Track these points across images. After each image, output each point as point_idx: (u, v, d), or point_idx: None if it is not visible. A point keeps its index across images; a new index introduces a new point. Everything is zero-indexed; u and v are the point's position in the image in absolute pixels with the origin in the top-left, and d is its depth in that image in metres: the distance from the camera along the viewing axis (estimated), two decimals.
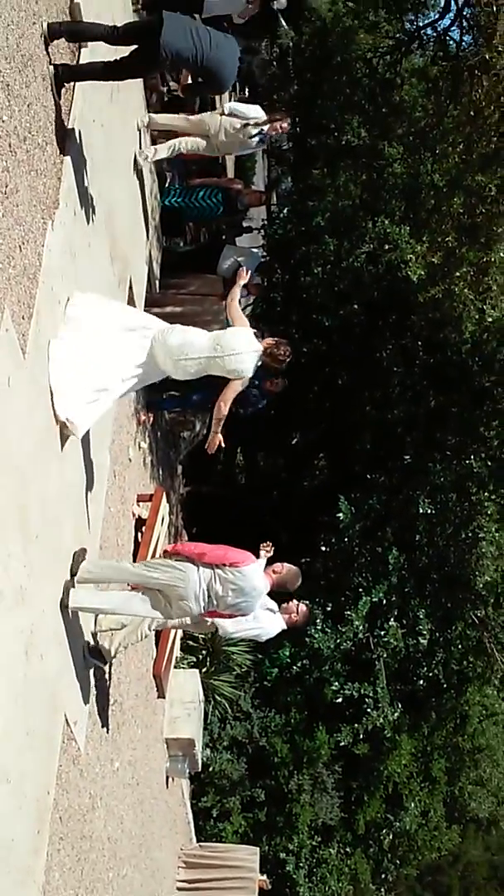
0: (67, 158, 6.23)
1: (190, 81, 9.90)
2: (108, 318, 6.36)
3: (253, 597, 6.35)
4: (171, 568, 6.26)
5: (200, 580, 6.21)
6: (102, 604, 6.37)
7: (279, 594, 6.75)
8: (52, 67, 5.89)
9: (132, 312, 6.94)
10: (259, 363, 6.87)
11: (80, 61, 6.64)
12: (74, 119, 6.44)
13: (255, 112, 9.75)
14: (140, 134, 9.45)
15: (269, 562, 6.55)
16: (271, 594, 6.63)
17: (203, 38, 6.50)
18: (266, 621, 6.91)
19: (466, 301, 12.39)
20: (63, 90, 6.19)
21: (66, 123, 6.28)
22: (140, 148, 9.42)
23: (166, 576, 6.23)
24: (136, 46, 6.54)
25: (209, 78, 6.85)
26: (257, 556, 6.45)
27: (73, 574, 6.20)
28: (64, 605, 6.05)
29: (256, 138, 9.75)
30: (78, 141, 6.56)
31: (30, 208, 5.36)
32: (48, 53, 5.85)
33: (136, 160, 9.27)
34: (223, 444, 7.31)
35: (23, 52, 5.25)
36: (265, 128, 9.69)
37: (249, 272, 8.06)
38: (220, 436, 7.18)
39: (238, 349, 6.63)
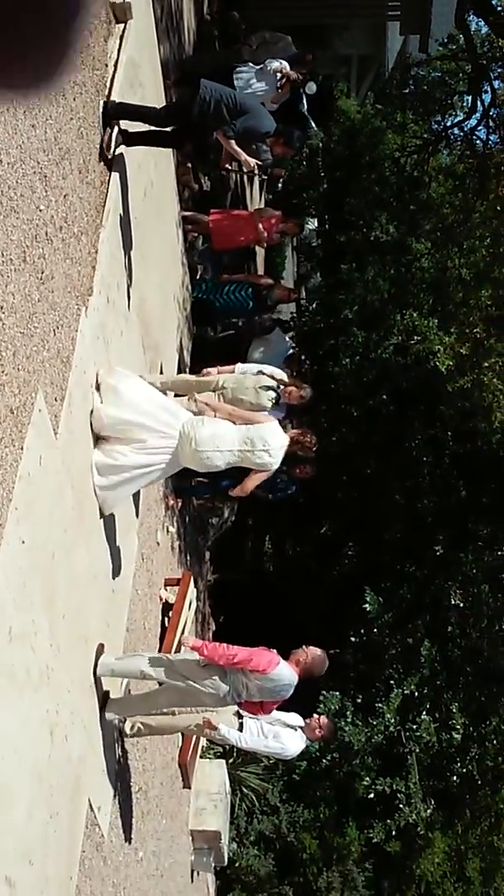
0: (102, 248, 6.44)
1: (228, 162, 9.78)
2: (148, 395, 6.46)
3: (285, 690, 6.34)
4: (198, 683, 6.25)
5: (228, 687, 6.22)
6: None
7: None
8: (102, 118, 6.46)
9: (164, 398, 6.97)
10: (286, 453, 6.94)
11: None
12: (109, 211, 6.68)
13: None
14: None
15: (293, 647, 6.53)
16: (299, 686, 6.57)
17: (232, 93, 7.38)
18: (287, 740, 6.87)
19: (495, 391, 12.49)
20: (100, 183, 6.45)
21: (101, 215, 6.52)
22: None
23: (193, 688, 6.28)
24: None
25: (247, 115, 7.35)
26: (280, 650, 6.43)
27: (95, 674, 6.25)
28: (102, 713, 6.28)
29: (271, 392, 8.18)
30: (112, 232, 6.78)
31: (64, 294, 5.53)
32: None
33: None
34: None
35: (60, 145, 5.49)
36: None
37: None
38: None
39: (269, 444, 6.69)
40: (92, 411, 6.09)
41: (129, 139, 6.96)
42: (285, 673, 6.24)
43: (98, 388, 6.15)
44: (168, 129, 7.31)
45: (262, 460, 6.69)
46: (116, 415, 6.14)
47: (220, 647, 6.20)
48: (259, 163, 8.73)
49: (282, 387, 8.12)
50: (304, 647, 6.47)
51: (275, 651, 6.30)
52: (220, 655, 6.15)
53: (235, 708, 6.77)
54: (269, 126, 7.64)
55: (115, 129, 6.62)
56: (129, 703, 6.60)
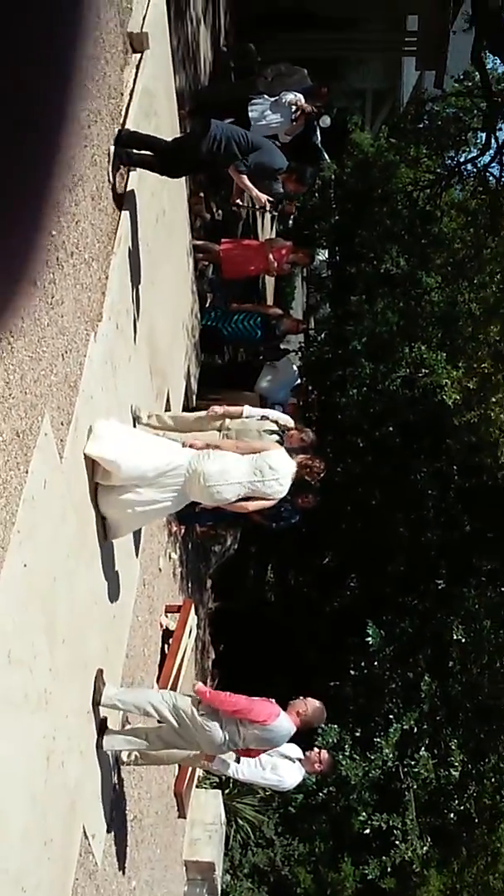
0: (112, 274, 6.47)
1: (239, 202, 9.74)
2: (150, 443, 6.45)
3: (281, 740, 6.34)
4: (197, 729, 6.21)
5: (225, 736, 6.18)
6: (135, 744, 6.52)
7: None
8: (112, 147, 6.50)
9: (162, 441, 6.82)
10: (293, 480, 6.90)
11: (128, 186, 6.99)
12: (120, 238, 6.71)
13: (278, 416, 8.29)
14: (133, 421, 7.48)
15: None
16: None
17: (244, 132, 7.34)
18: (284, 772, 6.84)
19: (502, 426, 12.52)
20: (112, 210, 6.49)
21: (112, 241, 6.55)
22: None
23: (192, 731, 6.26)
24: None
25: (259, 151, 7.33)
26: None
27: (94, 702, 6.22)
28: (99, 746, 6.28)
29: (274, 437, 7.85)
30: (123, 259, 6.82)
31: (74, 319, 5.56)
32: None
33: None
34: None
35: (74, 171, 5.53)
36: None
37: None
38: None
39: (278, 473, 6.62)
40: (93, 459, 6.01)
41: (130, 160, 6.94)
42: (284, 725, 6.22)
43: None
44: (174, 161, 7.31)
45: (273, 489, 6.62)
46: (136, 464, 6.11)
47: (222, 694, 6.24)
48: (270, 199, 8.74)
49: (285, 431, 8.08)
50: (302, 697, 6.44)
51: (273, 701, 6.28)
52: (221, 702, 6.17)
53: None
54: (280, 163, 7.74)
55: (112, 150, 6.59)
56: (127, 736, 6.56)
